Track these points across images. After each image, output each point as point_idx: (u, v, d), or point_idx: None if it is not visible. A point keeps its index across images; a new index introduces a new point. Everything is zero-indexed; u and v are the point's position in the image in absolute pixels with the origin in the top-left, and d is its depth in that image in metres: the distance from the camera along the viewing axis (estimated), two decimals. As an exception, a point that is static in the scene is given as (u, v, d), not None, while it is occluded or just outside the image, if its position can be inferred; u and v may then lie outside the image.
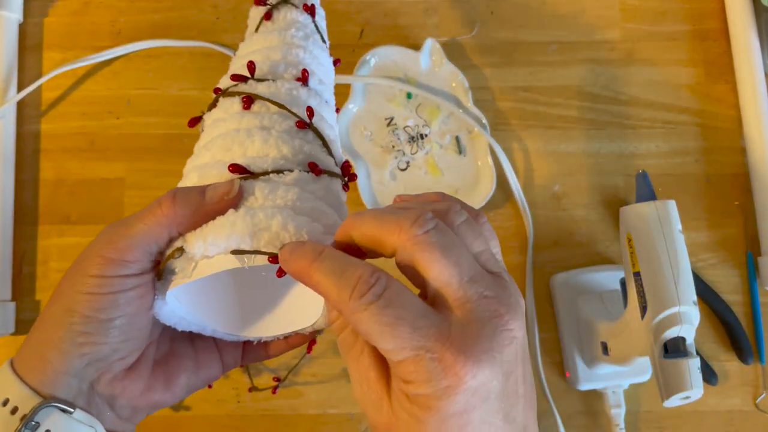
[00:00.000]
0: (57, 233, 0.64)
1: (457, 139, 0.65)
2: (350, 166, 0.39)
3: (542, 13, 0.68)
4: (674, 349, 0.48)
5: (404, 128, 0.65)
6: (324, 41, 0.45)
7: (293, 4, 0.44)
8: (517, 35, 0.67)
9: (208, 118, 0.40)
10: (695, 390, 0.47)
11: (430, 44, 0.64)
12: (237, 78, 0.39)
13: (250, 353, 0.40)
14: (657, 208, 0.50)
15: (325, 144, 0.38)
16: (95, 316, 0.32)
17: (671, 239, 0.49)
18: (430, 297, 0.29)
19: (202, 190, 0.34)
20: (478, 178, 0.64)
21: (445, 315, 0.28)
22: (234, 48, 0.66)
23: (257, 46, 0.42)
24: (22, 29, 0.67)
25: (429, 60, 0.65)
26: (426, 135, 0.65)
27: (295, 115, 0.38)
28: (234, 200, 0.34)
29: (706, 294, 0.63)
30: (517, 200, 0.64)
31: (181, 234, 0.34)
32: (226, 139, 0.36)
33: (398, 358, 0.27)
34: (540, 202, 0.65)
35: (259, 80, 0.39)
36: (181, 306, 0.36)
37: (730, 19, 0.66)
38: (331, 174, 0.37)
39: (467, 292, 0.28)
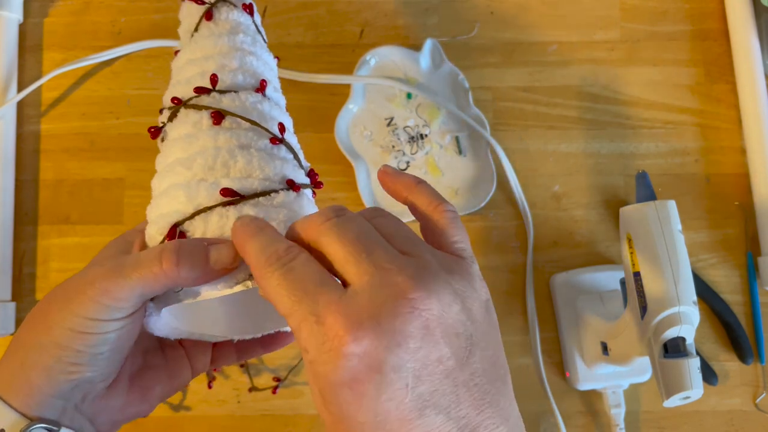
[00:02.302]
0: (57, 233, 0.64)
1: (457, 139, 0.65)
2: (316, 174, 0.40)
3: (542, 13, 0.68)
4: (674, 349, 0.48)
5: (404, 128, 0.65)
6: (264, 40, 0.45)
7: (233, 4, 0.42)
8: (517, 35, 0.67)
9: (172, 130, 0.39)
10: (695, 390, 0.47)
11: (430, 44, 0.64)
12: (200, 90, 0.39)
13: (220, 357, 0.41)
14: (657, 208, 0.50)
15: (296, 157, 0.39)
16: (86, 351, 0.33)
17: (671, 239, 0.49)
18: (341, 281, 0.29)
19: (206, 252, 0.33)
20: (478, 178, 0.64)
21: (345, 288, 0.28)
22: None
23: (208, 51, 0.41)
24: (22, 29, 0.67)
25: (429, 60, 0.65)
26: (426, 135, 0.65)
27: (268, 131, 0.38)
28: (236, 266, 0.33)
29: (706, 294, 0.63)
30: (517, 200, 0.64)
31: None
32: (206, 157, 0.36)
33: (292, 324, 0.28)
34: (540, 202, 0.65)
35: (222, 92, 0.39)
36: (174, 318, 0.37)
37: (730, 19, 0.66)
38: (305, 186, 0.38)
39: (364, 265, 0.28)
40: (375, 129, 0.65)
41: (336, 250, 0.29)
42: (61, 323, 0.33)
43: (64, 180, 0.65)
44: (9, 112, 0.64)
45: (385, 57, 0.65)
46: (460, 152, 0.65)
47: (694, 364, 0.48)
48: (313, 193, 0.40)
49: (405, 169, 0.64)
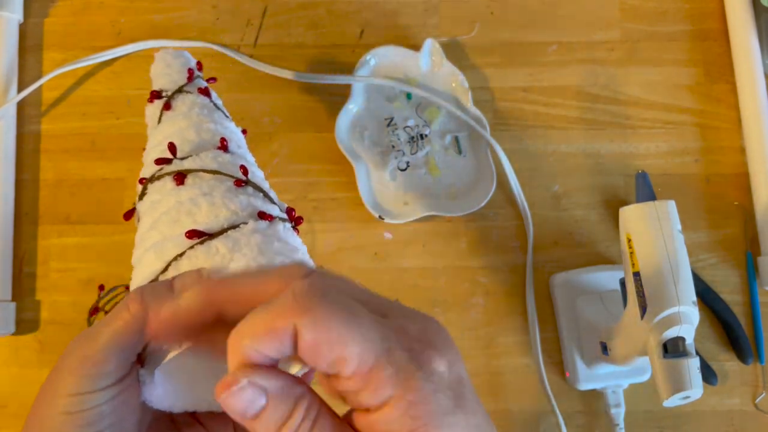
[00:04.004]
0: (57, 233, 0.64)
1: (457, 139, 0.65)
2: (293, 210, 0.40)
3: (542, 13, 0.68)
4: (674, 349, 0.48)
5: (404, 128, 0.65)
6: (226, 116, 0.46)
7: (188, 92, 0.45)
8: (517, 35, 0.67)
9: (142, 207, 0.39)
10: (695, 390, 0.47)
11: (430, 44, 0.64)
12: (161, 161, 0.40)
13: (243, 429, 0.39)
14: (657, 208, 0.50)
15: (266, 195, 0.39)
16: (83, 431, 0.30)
17: (671, 239, 0.49)
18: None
19: (169, 285, 0.32)
20: (478, 178, 0.64)
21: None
22: (233, 47, 0.66)
23: (167, 132, 0.42)
24: (22, 29, 0.67)
25: (429, 60, 0.65)
26: (426, 135, 0.65)
27: (229, 176, 0.38)
28: None
29: (705, 294, 0.63)
30: (517, 200, 0.64)
31: (158, 339, 0.32)
32: (170, 213, 0.36)
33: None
34: (540, 202, 0.65)
35: (183, 158, 0.40)
36: (171, 385, 0.35)
37: (729, 19, 0.66)
38: (281, 219, 0.38)
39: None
40: (375, 129, 0.65)
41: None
42: (50, 410, 0.30)
43: (64, 180, 0.65)
44: (9, 112, 0.64)
45: (385, 57, 0.65)
46: (460, 152, 0.65)
47: (693, 363, 0.48)
48: (295, 230, 0.40)
49: (405, 170, 0.64)
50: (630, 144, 0.66)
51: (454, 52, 0.66)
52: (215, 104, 0.46)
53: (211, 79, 0.50)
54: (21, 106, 0.66)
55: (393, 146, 0.64)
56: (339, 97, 0.65)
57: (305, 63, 0.66)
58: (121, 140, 0.65)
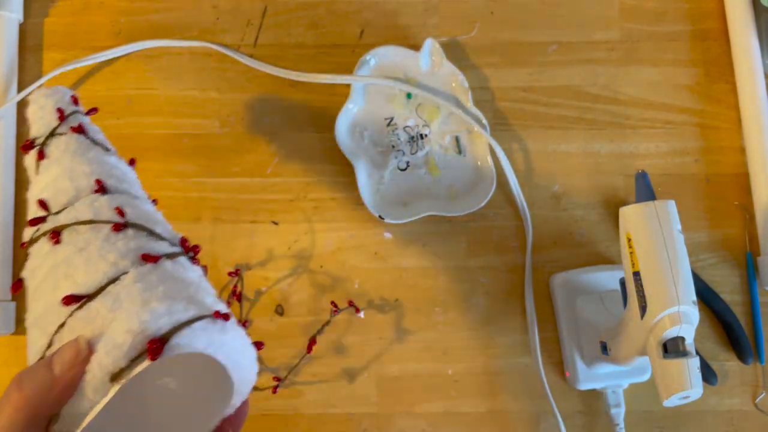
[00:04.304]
0: (57, 233, 0.64)
1: (457, 139, 0.65)
2: (187, 240, 0.39)
3: (542, 13, 0.68)
4: (674, 348, 0.48)
5: (404, 128, 0.65)
6: (107, 149, 0.44)
7: (60, 134, 0.43)
8: (517, 35, 0.67)
9: (25, 274, 0.38)
10: (695, 389, 0.47)
11: (430, 44, 0.64)
12: (35, 222, 0.38)
13: None
14: (656, 208, 0.50)
15: (151, 232, 0.38)
16: None
17: (671, 239, 0.49)
18: None
19: (47, 364, 0.30)
20: (478, 178, 0.64)
21: None
22: (233, 47, 0.66)
23: (42, 184, 0.41)
24: (22, 29, 0.67)
25: (429, 60, 0.65)
26: (426, 135, 0.65)
27: (106, 222, 0.37)
28: (89, 356, 0.30)
29: (705, 294, 0.63)
30: (517, 200, 0.64)
31: (50, 419, 0.31)
32: (49, 279, 0.35)
33: None
34: (540, 202, 0.65)
35: (58, 212, 0.38)
36: None
37: (729, 19, 0.66)
38: (170, 255, 0.36)
39: None
40: (375, 129, 0.65)
41: None
42: None
43: (64, 180, 0.65)
44: (9, 112, 0.64)
45: (385, 57, 0.65)
46: (460, 152, 0.65)
47: (693, 363, 0.48)
48: (194, 259, 0.39)
49: (405, 170, 0.64)
50: (630, 144, 0.66)
51: (454, 52, 0.66)
52: (93, 140, 0.44)
53: (92, 110, 0.47)
54: (21, 106, 0.66)
55: (393, 146, 0.64)
56: (339, 97, 0.65)
57: (305, 63, 0.66)
58: (122, 140, 0.65)
